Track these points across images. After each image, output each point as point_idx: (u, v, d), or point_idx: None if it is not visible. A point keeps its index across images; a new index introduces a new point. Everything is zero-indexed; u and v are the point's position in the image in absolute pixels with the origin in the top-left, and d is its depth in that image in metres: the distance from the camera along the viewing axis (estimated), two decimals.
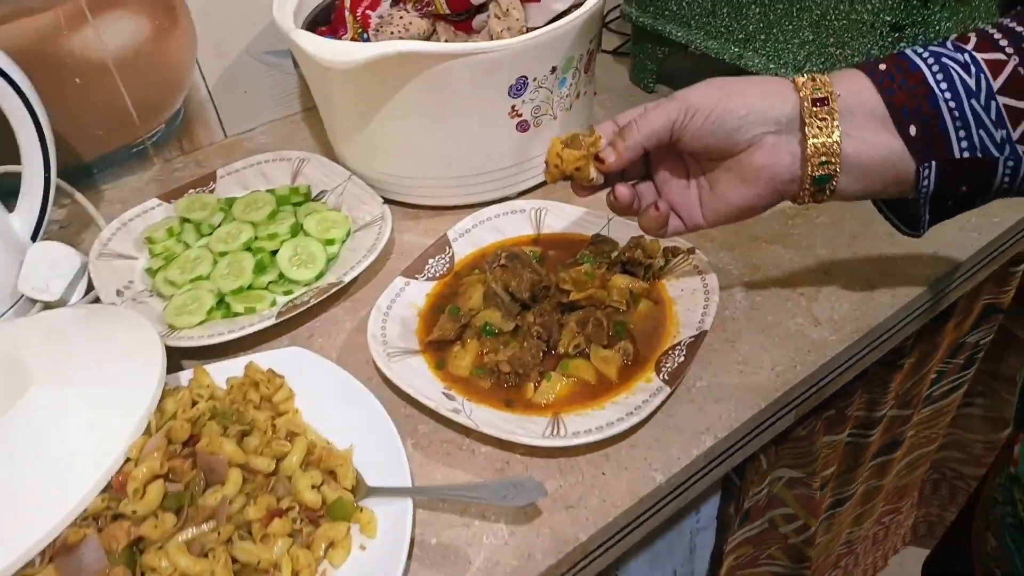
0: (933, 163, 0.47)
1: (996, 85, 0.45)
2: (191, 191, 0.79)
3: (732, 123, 0.49)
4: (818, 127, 0.47)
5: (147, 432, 0.50)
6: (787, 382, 0.59)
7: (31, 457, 0.48)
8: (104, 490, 0.47)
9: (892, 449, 1.07)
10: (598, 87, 0.94)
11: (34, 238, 0.71)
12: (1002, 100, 0.45)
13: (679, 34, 0.83)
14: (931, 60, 0.47)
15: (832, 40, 0.70)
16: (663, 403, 0.55)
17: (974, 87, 0.45)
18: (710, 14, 0.80)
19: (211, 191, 0.79)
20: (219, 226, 0.74)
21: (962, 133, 0.46)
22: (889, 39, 0.65)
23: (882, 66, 0.48)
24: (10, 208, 0.71)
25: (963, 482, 1.25)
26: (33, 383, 0.53)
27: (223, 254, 0.70)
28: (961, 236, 0.70)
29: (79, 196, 0.78)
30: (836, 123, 0.47)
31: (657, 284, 0.65)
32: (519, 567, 0.49)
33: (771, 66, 0.76)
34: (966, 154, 0.46)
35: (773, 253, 0.70)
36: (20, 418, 0.50)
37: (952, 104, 0.46)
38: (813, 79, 0.48)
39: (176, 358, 0.63)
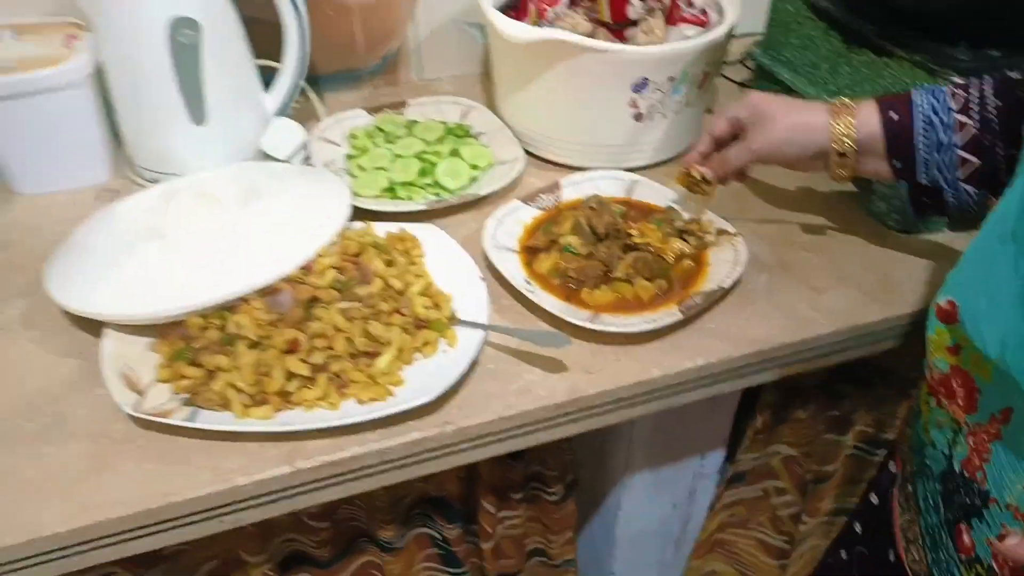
0: (904, 182, 0.75)
1: (958, 142, 0.71)
2: (387, 110, 1.06)
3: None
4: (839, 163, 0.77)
5: (332, 243, 0.77)
6: (772, 341, 0.79)
7: (257, 236, 0.76)
8: (301, 267, 0.73)
9: None
10: (716, 107, 1.14)
11: (278, 114, 1.00)
12: (959, 153, 0.71)
13: (788, 77, 1.03)
14: (925, 119, 0.71)
15: None
16: (675, 324, 0.77)
17: (946, 142, 0.71)
18: (814, 66, 0.98)
19: (400, 113, 1.06)
20: (401, 138, 1.00)
21: (923, 170, 0.74)
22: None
23: (895, 115, 0.73)
24: (266, 89, 1.01)
25: None
26: (263, 196, 0.81)
27: (399, 157, 0.97)
28: None
29: (312, 94, 1.07)
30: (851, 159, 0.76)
31: (702, 253, 0.86)
32: (542, 397, 0.72)
33: None
34: (924, 181, 0.74)
35: (805, 257, 0.88)
36: (254, 214, 0.78)
37: (924, 155, 0.72)
38: (847, 122, 0.74)
39: (354, 215, 0.89)
